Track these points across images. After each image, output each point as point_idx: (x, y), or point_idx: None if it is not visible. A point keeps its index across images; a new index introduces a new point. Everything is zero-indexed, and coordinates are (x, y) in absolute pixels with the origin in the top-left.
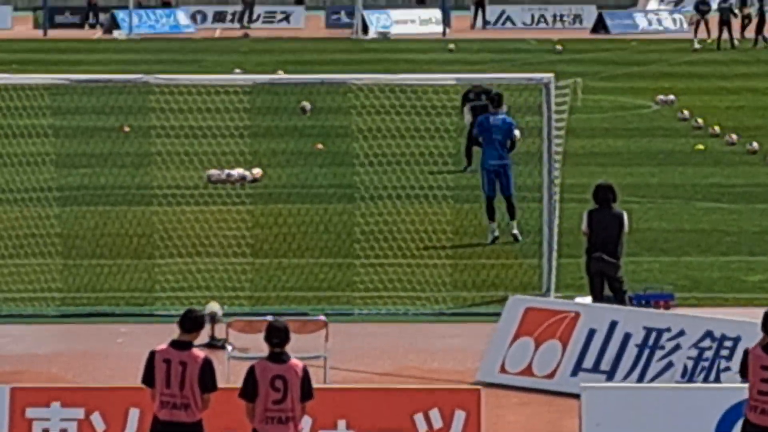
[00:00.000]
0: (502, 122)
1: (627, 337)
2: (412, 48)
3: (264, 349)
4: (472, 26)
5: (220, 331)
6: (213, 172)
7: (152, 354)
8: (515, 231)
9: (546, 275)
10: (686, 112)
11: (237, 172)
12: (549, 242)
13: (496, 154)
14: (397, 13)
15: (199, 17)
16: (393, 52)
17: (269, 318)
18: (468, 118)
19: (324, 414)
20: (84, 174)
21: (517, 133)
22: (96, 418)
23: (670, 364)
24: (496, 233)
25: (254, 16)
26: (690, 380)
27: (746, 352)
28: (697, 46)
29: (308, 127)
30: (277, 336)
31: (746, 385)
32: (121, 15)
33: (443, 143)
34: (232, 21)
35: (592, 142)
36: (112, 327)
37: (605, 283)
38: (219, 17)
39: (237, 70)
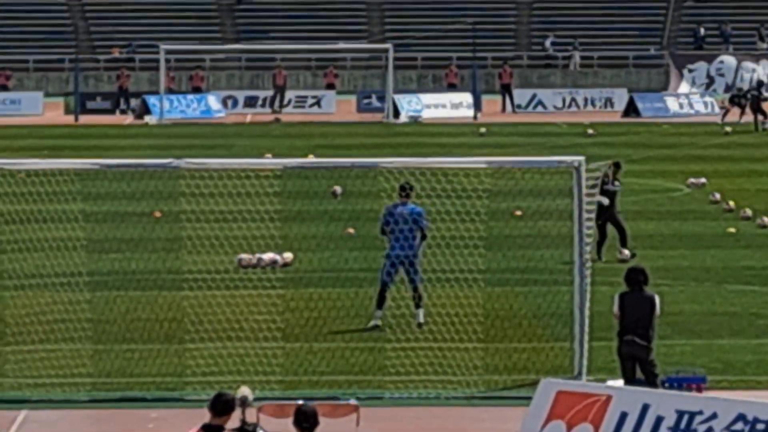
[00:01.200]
0: (411, 211)
1: (659, 420)
2: (443, 132)
3: None
4: (502, 110)
5: (251, 415)
6: (244, 256)
7: None
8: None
9: (577, 358)
10: (717, 195)
11: (268, 256)
12: (580, 325)
13: (403, 245)
14: (427, 97)
15: (230, 102)
16: (424, 135)
17: (300, 402)
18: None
19: None
20: (114, 259)
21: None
22: None
23: None
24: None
25: (285, 101)
26: None
27: None
28: (728, 129)
29: (339, 211)
30: (306, 420)
31: None
32: (152, 100)
33: (474, 226)
34: (263, 106)
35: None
36: (143, 412)
37: (637, 366)
38: (250, 102)
39: (268, 155)
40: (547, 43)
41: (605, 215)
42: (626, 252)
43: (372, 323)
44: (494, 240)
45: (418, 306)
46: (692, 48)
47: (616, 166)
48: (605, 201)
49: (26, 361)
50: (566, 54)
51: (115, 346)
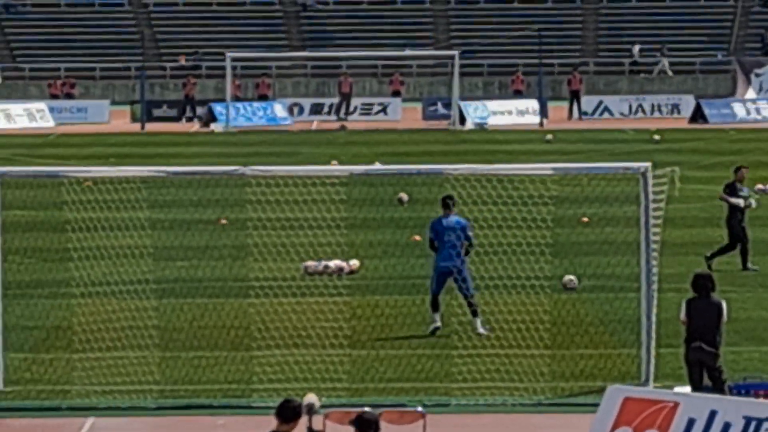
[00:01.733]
0: (456, 223)
1: (727, 426)
2: (510, 139)
3: None
4: (569, 117)
5: (317, 422)
6: (310, 263)
7: None
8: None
9: (645, 365)
10: None
11: (334, 263)
12: (647, 332)
13: (450, 256)
14: (494, 104)
15: (296, 109)
16: (490, 143)
17: (366, 409)
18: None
19: None
20: (181, 266)
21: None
22: None
23: None
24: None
25: (351, 108)
26: None
27: None
28: None
29: (405, 218)
30: (368, 427)
31: None
32: (218, 108)
33: (540, 233)
34: (329, 113)
35: (690, 231)
36: (210, 419)
37: (704, 373)
38: (316, 109)
39: (334, 162)
40: (635, 50)
41: (736, 220)
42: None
43: (432, 327)
44: (561, 247)
45: (474, 315)
46: (759, 54)
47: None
48: (747, 203)
49: (94, 368)
50: (654, 60)
51: (182, 354)
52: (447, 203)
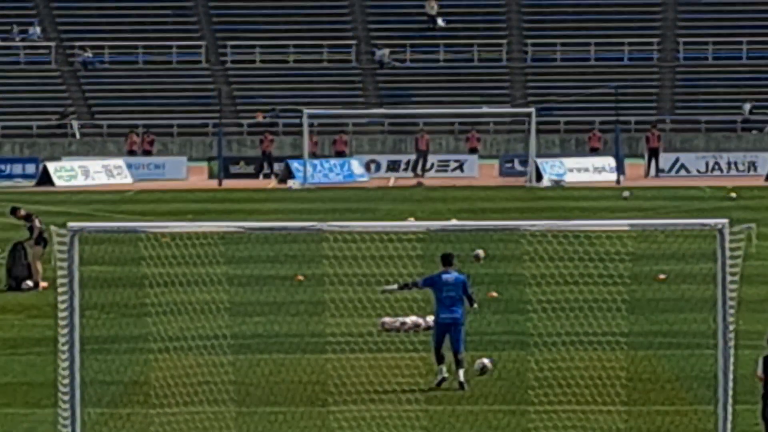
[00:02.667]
0: (456, 279)
1: None
2: (586, 196)
3: None
4: (646, 174)
5: None
6: (387, 319)
7: None
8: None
9: (721, 422)
10: None
11: (411, 319)
12: (724, 389)
13: (449, 311)
14: (570, 161)
15: (373, 166)
16: (566, 200)
17: None
18: None
19: None
20: (258, 322)
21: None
22: None
23: None
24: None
25: (428, 165)
26: None
27: None
28: None
29: (481, 275)
30: None
31: None
32: (295, 164)
33: (616, 289)
34: (405, 170)
35: (766, 288)
36: None
37: None
38: (393, 166)
39: (411, 218)
40: (746, 107)
41: None
42: None
43: (439, 378)
44: (637, 303)
45: (459, 367)
46: None
47: None
48: None
49: (171, 423)
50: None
51: (259, 409)
52: (448, 260)
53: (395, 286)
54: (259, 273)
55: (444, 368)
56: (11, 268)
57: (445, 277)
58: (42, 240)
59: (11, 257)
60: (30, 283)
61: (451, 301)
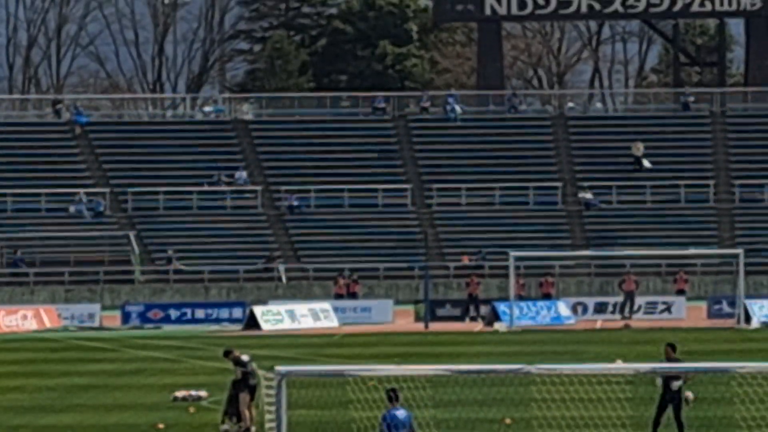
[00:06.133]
0: (404, 416)
1: None
2: None
3: None
4: None
5: None
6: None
7: None
8: None
9: None
10: None
11: None
12: None
13: None
14: None
15: (579, 308)
16: None
17: None
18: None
19: None
20: None
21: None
22: None
23: None
24: None
25: (635, 307)
26: None
27: None
28: None
29: (691, 417)
30: None
31: None
32: (501, 307)
33: None
34: (613, 312)
35: None
36: None
37: None
38: (600, 308)
39: (619, 360)
40: None
41: None
42: None
43: None
44: None
45: None
46: None
47: None
48: None
49: None
50: None
51: None
52: (390, 396)
53: None
54: (467, 416)
55: None
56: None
57: (393, 413)
58: (247, 386)
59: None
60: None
61: None
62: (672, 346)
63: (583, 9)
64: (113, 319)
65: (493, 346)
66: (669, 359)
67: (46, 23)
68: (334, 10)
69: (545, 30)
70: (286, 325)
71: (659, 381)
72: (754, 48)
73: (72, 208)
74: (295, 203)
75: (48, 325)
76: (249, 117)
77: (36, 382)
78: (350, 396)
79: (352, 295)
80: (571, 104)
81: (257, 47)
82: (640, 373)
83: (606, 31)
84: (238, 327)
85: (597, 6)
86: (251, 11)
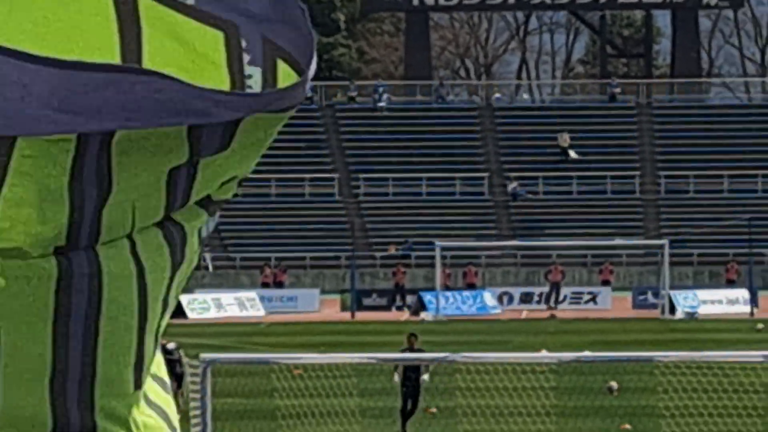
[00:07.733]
0: None
1: None
2: (720, 328)
3: None
4: None
5: None
6: None
7: None
8: None
9: None
10: None
11: None
12: None
13: None
14: (704, 293)
15: (505, 298)
16: (700, 332)
17: None
18: None
19: None
20: None
21: None
22: None
23: None
24: None
25: (561, 297)
26: None
27: None
28: None
29: (615, 407)
30: None
31: None
32: (428, 297)
33: (751, 421)
34: (538, 302)
35: None
36: None
37: None
38: (526, 298)
39: (543, 350)
40: None
41: None
42: None
43: None
44: None
45: None
46: None
47: None
48: None
49: None
50: None
51: None
52: None
53: None
54: (392, 405)
55: None
56: None
57: None
58: (173, 374)
59: None
60: None
61: None
62: (414, 335)
63: (511, 0)
64: None
65: (419, 336)
66: (411, 349)
67: None
68: None
69: (473, 20)
70: (213, 313)
71: (397, 378)
72: (681, 40)
73: None
74: None
75: None
76: None
77: None
78: (275, 384)
79: (279, 285)
80: (498, 95)
81: None
82: (564, 362)
83: (533, 22)
84: None
85: None
86: None
